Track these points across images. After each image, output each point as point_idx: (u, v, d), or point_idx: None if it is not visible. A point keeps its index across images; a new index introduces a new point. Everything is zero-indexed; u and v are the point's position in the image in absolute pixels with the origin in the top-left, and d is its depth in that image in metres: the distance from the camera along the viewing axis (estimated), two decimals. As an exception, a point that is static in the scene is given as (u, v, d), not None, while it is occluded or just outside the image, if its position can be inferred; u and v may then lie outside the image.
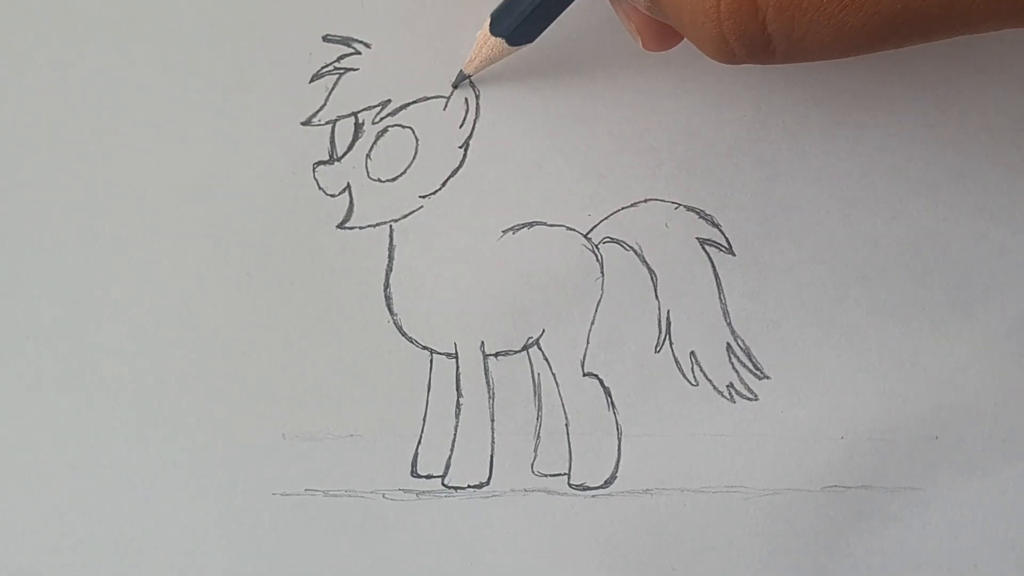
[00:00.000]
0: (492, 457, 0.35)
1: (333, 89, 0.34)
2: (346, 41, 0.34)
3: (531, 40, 0.32)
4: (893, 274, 0.35)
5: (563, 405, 0.35)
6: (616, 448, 0.35)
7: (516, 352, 0.35)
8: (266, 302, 0.35)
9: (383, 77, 0.34)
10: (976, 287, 0.35)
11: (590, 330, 0.35)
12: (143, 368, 0.34)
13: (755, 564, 0.35)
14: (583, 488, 0.35)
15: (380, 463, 0.35)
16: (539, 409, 0.35)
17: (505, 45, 0.33)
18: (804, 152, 0.35)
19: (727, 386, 0.35)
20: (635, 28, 0.31)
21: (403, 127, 0.35)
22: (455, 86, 0.34)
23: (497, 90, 0.35)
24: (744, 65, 0.27)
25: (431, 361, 0.35)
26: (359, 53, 0.34)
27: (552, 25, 0.32)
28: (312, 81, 0.34)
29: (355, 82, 0.34)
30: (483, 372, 0.35)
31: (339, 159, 0.34)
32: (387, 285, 0.35)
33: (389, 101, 0.35)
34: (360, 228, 0.35)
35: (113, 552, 0.35)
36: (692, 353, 0.35)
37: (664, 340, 0.35)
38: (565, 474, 0.35)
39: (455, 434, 0.35)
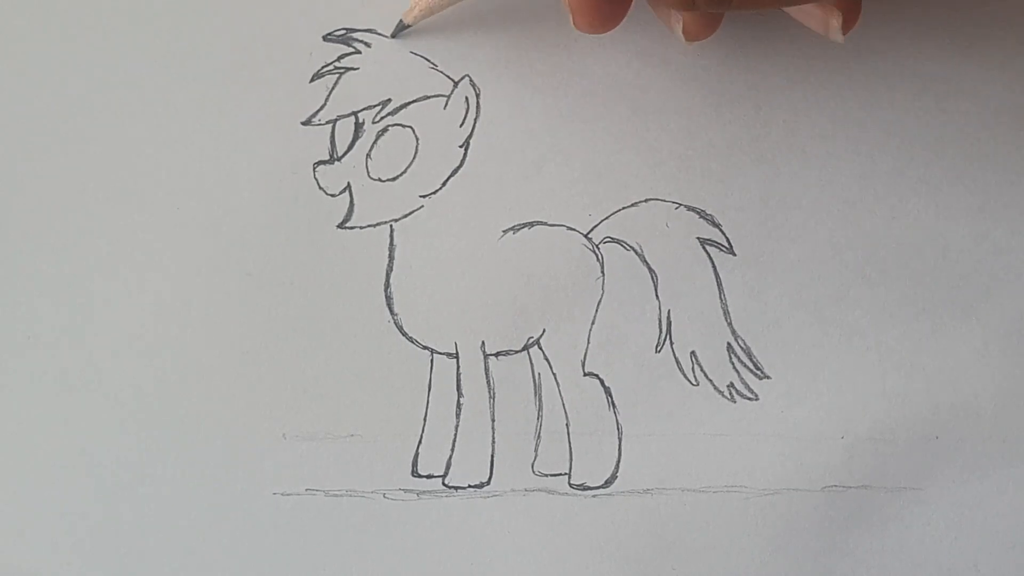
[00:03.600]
0: (492, 457, 0.35)
1: (333, 89, 0.34)
2: (346, 40, 0.34)
3: None
4: (893, 274, 0.35)
5: (563, 405, 0.35)
6: (616, 448, 0.35)
7: (517, 352, 0.35)
8: (266, 302, 0.34)
9: (383, 77, 0.34)
10: (976, 287, 0.35)
11: (590, 330, 0.35)
12: (143, 368, 0.34)
13: (755, 564, 0.35)
14: (583, 488, 0.35)
15: (380, 463, 0.35)
16: (539, 409, 0.35)
17: None
18: (804, 152, 0.35)
19: (727, 386, 0.35)
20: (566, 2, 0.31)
21: (403, 126, 0.35)
22: (394, 36, 0.34)
23: (497, 89, 0.35)
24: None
25: (431, 361, 0.35)
26: (359, 52, 0.34)
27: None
28: (312, 81, 0.34)
29: (355, 82, 0.34)
30: (484, 372, 0.35)
31: (339, 159, 0.34)
32: (387, 285, 0.35)
33: (389, 100, 0.34)
34: (360, 228, 0.35)
35: (113, 552, 0.35)
36: (692, 353, 0.35)
37: (664, 340, 0.35)
38: (565, 474, 0.35)
39: (455, 434, 0.35)
